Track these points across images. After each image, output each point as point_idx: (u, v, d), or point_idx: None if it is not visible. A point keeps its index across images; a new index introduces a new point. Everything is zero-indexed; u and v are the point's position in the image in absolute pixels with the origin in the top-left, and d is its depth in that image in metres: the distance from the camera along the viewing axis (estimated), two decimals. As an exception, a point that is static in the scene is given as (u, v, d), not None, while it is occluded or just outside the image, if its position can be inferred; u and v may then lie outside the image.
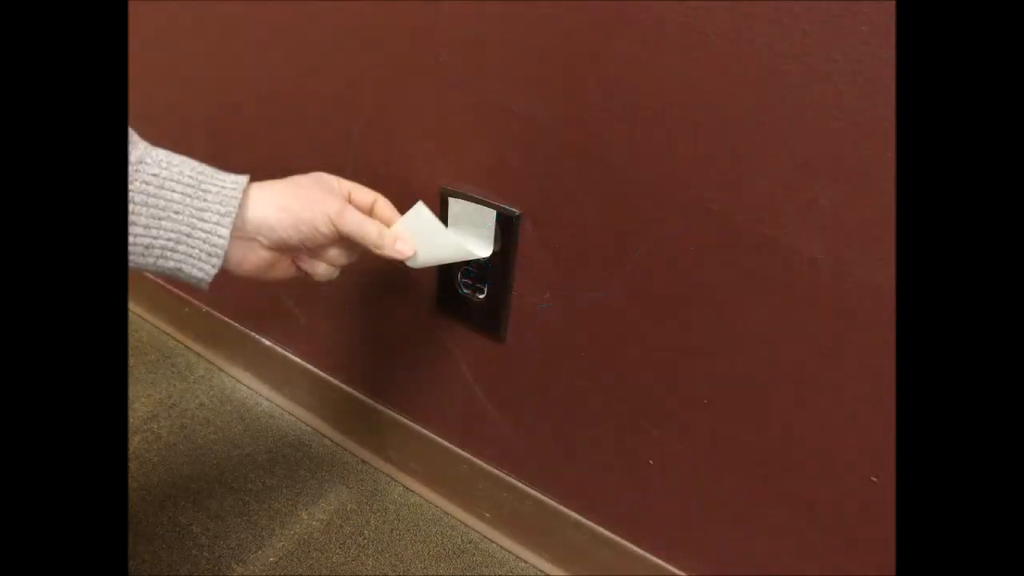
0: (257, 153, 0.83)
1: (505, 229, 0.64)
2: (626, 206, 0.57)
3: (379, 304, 0.83)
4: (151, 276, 1.18)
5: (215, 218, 0.47)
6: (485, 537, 0.87)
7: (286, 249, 0.53)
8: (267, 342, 1.03)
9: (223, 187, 0.48)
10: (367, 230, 0.54)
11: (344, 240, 0.55)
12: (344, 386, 0.95)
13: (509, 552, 0.86)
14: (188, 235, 0.47)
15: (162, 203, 0.45)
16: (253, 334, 1.05)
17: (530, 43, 0.55)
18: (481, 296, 0.70)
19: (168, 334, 1.21)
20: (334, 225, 0.52)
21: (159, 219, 0.46)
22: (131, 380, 1.10)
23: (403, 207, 0.58)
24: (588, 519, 0.77)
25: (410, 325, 0.81)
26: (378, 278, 0.81)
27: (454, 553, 0.85)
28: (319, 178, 0.55)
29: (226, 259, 0.49)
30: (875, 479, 0.55)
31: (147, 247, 0.46)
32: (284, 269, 0.55)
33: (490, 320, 0.71)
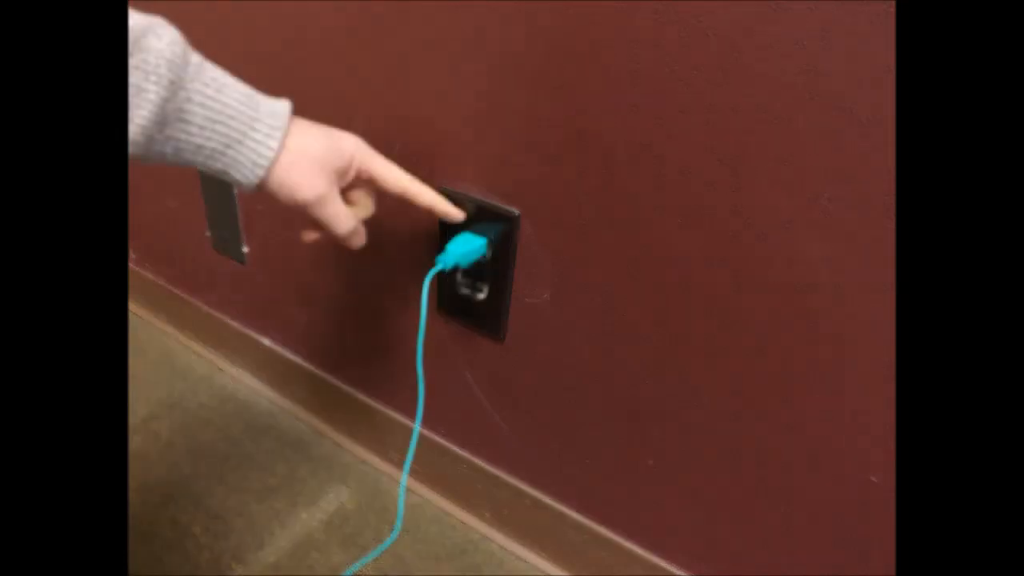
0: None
1: (505, 229, 0.64)
2: (625, 206, 0.57)
3: (379, 304, 0.83)
4: (151, 276, 1.18)
5: (266, 129, 0.49)
6: (485, 537, 0.87)
7: (326, 177, 0.53)
8: (268, 342, 1.03)
9: (273, 104, 0.50)
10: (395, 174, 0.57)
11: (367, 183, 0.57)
12: (344, 386, 0.95)
13: (509, 552, 0.86)
14: (239, 142, 0.49)
15: (218, 107, 0.47)
16: (254, 334, 1.05)
17: (531, 43, 0.55)
18: (481, 296, 0.70)
19: (168, 335, 1.21)
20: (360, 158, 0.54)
21: (214, 122, 0.47)
22: (132, 380, 1.10)
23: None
24: (588, 518, 0.77)
25: (410, 325, 0.81)
26: (378, 278, 0.81)
27: (454, 553, 0.85)
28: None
29: (271, 175, 0.51)
30: (874, 479, 0.55)
31: (199, 147, 0.48)
32: (327, 209, 0.54)
33: (490, 320, 0.71)
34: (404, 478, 0.67)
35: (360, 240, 0.57)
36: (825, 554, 0.61)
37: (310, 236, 0.59)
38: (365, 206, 0.58)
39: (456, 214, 0.61)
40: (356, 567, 0.81)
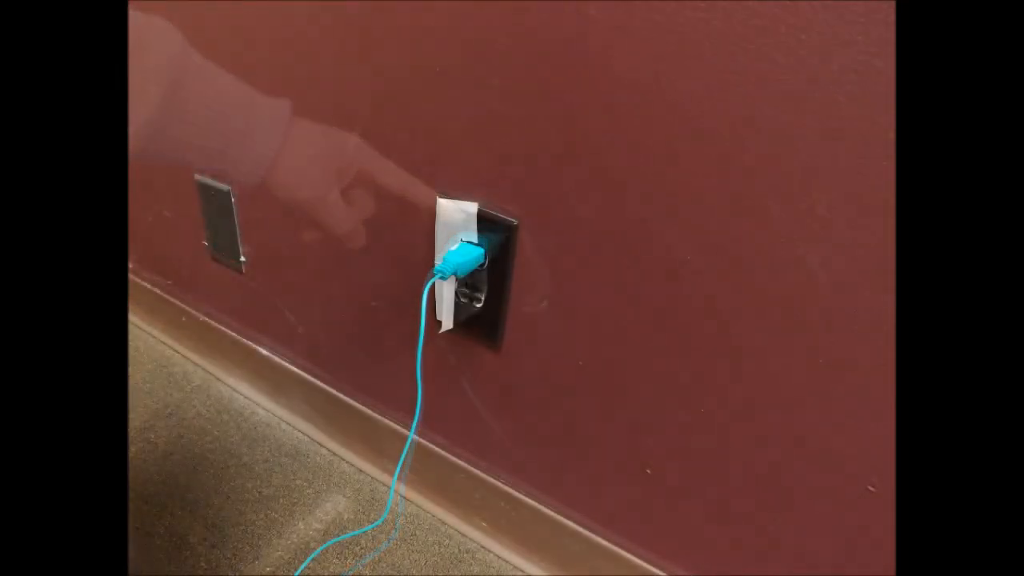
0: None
1: (503, 237, 0.64)
2: (623, 214, 0.57)
3: (377, 312, 0.83)
4: (148, 284, 1.18)
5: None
6: (482, 546, 0.87)
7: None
8: (264, 351, 1.03)
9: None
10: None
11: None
12: (341, 395, 0.95)
13: (506, 561, 0.85)
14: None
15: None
16: (250, 343, 1.05)
17: (529, 49, 0.55)
18: (478, 304, 0.69)
19: (165, 343, 1.21)
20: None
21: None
22: (128, 389, 1.09)
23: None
24: (585, 527, 0.76)
25: (407, 333, 0.81)
26: (376, 286, 0.81)
27: (451, 562, 0.85)
28: None
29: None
30: (872, 487, 0.54)
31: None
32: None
33: (487, 328, 0.71)
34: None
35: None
36: (825, 555, 0.61)
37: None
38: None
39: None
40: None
